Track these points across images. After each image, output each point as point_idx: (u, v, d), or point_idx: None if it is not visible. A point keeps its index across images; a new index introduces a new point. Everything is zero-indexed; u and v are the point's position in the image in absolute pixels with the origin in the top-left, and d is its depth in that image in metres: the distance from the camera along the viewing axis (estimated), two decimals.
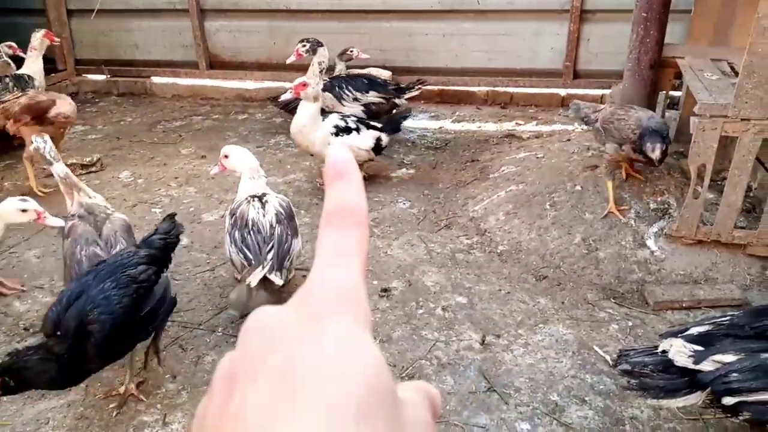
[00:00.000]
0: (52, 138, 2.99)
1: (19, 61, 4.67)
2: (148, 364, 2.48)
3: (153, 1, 5.87)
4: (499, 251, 3.26)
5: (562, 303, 2.81)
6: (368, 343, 0.30)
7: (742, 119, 2.80)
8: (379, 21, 5.43)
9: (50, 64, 5.36)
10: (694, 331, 1.92)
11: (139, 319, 2.16)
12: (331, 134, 3.70)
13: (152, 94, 6.11)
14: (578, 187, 3.39)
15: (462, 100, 5.53)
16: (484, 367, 2.44)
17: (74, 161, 4.27)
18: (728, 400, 1.78)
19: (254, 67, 5.84)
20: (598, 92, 5.07)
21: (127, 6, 5.93)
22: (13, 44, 4.75)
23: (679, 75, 3.65)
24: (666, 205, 3.17)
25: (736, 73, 3.07)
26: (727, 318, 1.96)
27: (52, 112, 3.81)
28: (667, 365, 1.87)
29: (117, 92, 6.19)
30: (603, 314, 2.71)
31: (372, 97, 4.48)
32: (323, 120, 3.72)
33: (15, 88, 4.18)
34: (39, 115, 3.81)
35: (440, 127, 5.04)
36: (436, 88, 5.47)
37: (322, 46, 4.26)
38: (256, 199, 2.77)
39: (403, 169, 4.32)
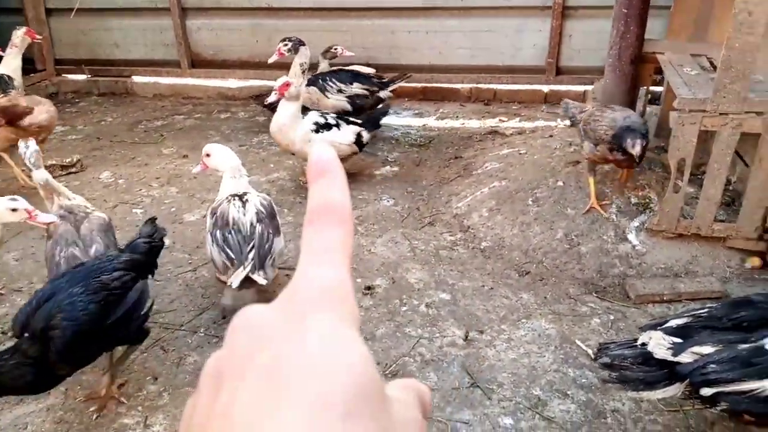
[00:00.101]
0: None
1: None
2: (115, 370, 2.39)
3: (133, 0, 5.81)
4: (482, 247, 3.27)
5: (545, 298, 2.82)
6: (354, 340, 0.29)
7: (720, 113, 2.83)
8: (362, 19, 5.41)
9: (29, 64, 5.28)
10: (673, 323, 1.93)
11: (107, 327, 2.07)
12: (312, 131, 3.68)
13: (133, 93, 6.05)
14: (560, 183, 3.40)
15: (446, 97, 5.54)
16: (467, 363, 2.45)
17: (54, 162, 4.21)
18: (706, 391, 1.80)
19: (236, 66, 5.80)
20: (581, 88, 5.10)
21: (107, 5, 5.86)
22: None
23: (659, 70, 3.68)
24: (647, 200, 3.20)
25: (715, 68, 3.10)
26: (706, 310, 1.98)
27: (26, 121, 3.76)
28: (646, 358, 1.88)
29: (97, 92, 6.12)
30: (585, 308, 2.73)
31: (356, 88, 4.47)
32: (303, 118, 3.70)
33: None
34: (12, 120, 3.75)
35: (424, 125, 5.04)
36: (419, 85, 5.47)
37: (303, 45, 4.24)
38: (236, 198, 2.75)
39: (387, 167, 4.31)
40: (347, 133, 3.80)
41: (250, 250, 2.57)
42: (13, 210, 2.60)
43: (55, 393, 2.36)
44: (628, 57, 3.54)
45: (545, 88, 5.30)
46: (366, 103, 4.49)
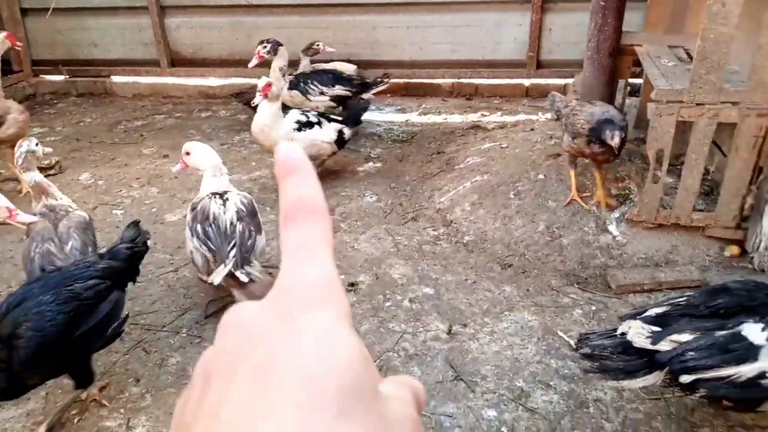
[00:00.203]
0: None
1: None
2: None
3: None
4: (465, 241, 3.28)
5: (527, 290, 2.83)
6: (348, 338, 0.29)
7: (697, 104, 2.85)
8: (342, 15, 5.39)
9: (5, 65, 5.19)
10: (652, 312, 1.95)
11: (76, 339, 2.00)
12: (294, 129, 3.67)
13: (112, 93, 5.98)
14: (541, 176, 3.42)
15: (428, 92, 5.54)
16: (450, 357, 2.45)
17: None
18: (685, 378, 1.82)
19: (217, 64, 5.76)
20: (562, 82, 5.12)
21: (83, 4, 5.78)
22: None
23: (637, 62, 3.70)
24: (627, 191, 3.22)
25: (692, 59, 3.13)
26: (684, 298, 2.00)
27: None
28: (626, 347, 1.90)
29: (76, 93, 6.04)
30: (567, 300, 2.75)
31: (338, 90, 4.47)
32: (284, 117, 3.68)
33: None
34: None
35: (406, 120, 5.04)
36: (401, 81, 5.47)
37: (281, 45, 4.23)
38: (217, 196, 2.73)
39: (370, 163, 4.31)
40: (329, 131, 3.79)
41: (231, 248, 2.56)
42: None
43: (35, 398, 2.33)
44: (606, 49, 3.56)
45: (526, 82, 5.32)
46: (349, 104, 4.49)
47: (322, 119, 3.80)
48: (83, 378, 2.15)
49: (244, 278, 2.50)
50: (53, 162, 4.27)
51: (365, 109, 4.18)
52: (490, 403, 2.22)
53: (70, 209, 2.63)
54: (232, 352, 0.30)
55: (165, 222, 3.59)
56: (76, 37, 5.98)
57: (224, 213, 2.66)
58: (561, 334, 2.52)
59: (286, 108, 3.81)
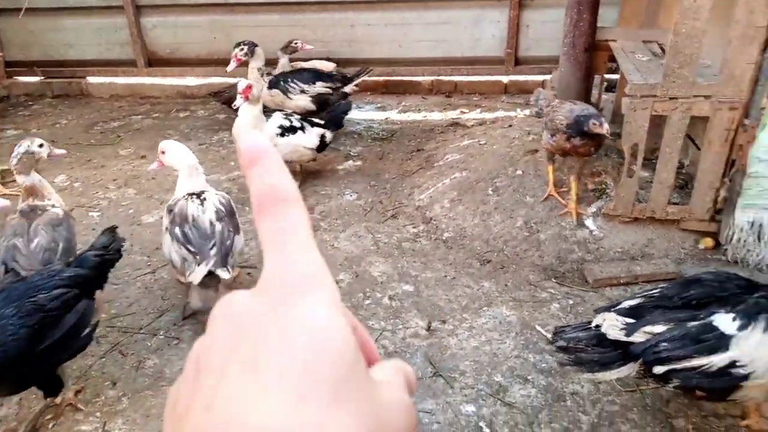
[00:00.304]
0: None
1: None
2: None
3: None
4: (444, 238, 3.28)
5: (506, 285, 2.85)
6: (339, 325, 0.29)
7: (670, 98, 2.88)
8: (321, 12, 5.37)
9: None
10: (626, 304, 1.97)
11: (40, 352, 1.92)
12: (277, 135, 3.64)
13: (89, 94, 5.90)
14: (519, 172, 3.44)
15: (407, 89, 5.54)
16: (430, 353, 2.46)
17: (5, 168, 4.07)
18: (658, 369, 1.84)
19: (195, 63, 5.70)
20: (540, 78, 5.15)
21: (57, 4, 5.69)
22: None
23: (613, 58, 3.73)
24: (603, 185, 3.25)
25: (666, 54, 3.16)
26: (658, 290, 2.02)
27: None
28: (600, 339, 1.91)
29: (51, 94, 5.94)
30: (545, 294, 2.76)
31: (319, 87, 4.44)
32: (267, 120, 3.66)
33: None
34: None
35: (386, 118, 5.03)
36: (381, 78, 5.46)
37: (257, 46, 4.21)
38: (194, 196, 2.71)
39: (350, 161, 4.30)
40: (312, 136, 3.76)
41: (212, 247, 2.54)
42: None
43: (8, 404, 2.30)
44: (582, 45, 3.59)
45: (505, 79, 5.34)
46: (330, 100, 4.47)
47: (305, 124, 3.78)
48: (51, 388, 2.11)
49: (225, 275, 2.48)
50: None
51: (346, 112, 4.16)
52: (468, 398, 2.23)
53: (49, 207, 2.58)
54: (223, 343, 0.30)
55: (142, 223, 3.56)
56: (50, 38, 5.89)
57: (203, 213, 2.63)
58: (538, 328, 2.53)
59: (267, 110, 3.78)
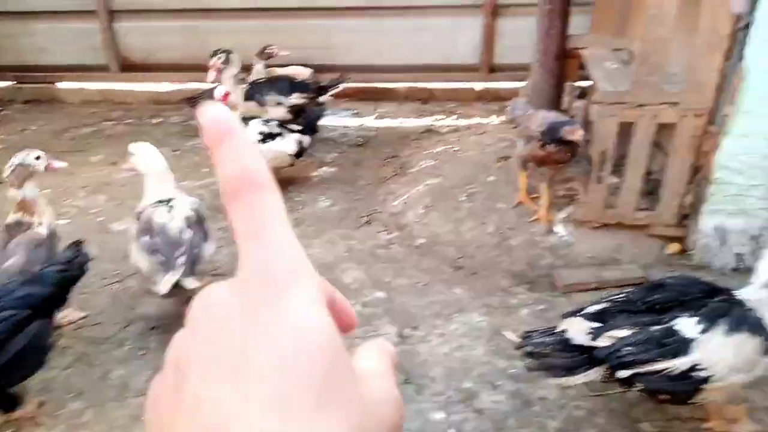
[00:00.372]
0: None
1: None
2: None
3: (58, 3, 5.57)
4: (417, 245, 3.29)
5: (477, 291, 2.86)
6: (321, 323, 0.28)
7: (638, 105, 2.93)
8: (297, 19, 5.36)
9: None
10: (591, 309, 1.99)
11: None
12: (258, 141, 3.63)
13: (60, 100, 5.80)
14: (491, 178, 3.46)
15: (384, 96, 5.54)
16: (401, 360, 2.45)
17: None
18: (623, 373, 1.86)
19: (169, 69, 5.64)
20: (514, 85, 5.19)
21: (28, 8, 5.60)
22: None
23: (584, 65, 3.79)
24: (573, 192, 3.29)
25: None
26: (623, 295, 2.04)
27: None
28: (566, 344, 1.93)
29: (22, 99, 5.84)
30: (515, 300, 2.78)
31: (295, 99, 4.43)
32: (245, 127, 3.64)
33: None
34: None
35: (362, 125, 5.04)
36: (357, 85, 5.46)
37: (232, 53, 4.20)
38: (163, 203, 2.67)
39: (325, 168, 4.29)
40: (291, 143, 3.77)
41: (180, 256, 2.51)
42: None
43: None
44: (553, 53, 3.63)
45: (480, 86, 5.38)
46: (307, 108, 4.46)
47: (283, 130, 3.78)
48: (6, 405, 2.04)
49: (191, 285, 2.46)
50: None
51: (320, 117, 4.16)
52: (438, 405, 2.22)
53: (36, 225, 2.51)
54: (203, 343, 0.28)
55: (111, 231, 3.51)
56: (21, 42, 5.79)
57: (172, 220, 2.61)
58: (508, 334, 2.54)
59: (244, 119, 3.76)
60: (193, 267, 2.50)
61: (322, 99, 4.53)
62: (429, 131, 4.73)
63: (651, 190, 3.37)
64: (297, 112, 4.37)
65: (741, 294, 2.00)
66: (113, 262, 3.19)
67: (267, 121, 3.81)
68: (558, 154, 2.96)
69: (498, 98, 5.27)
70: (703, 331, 1.86)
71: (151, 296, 2.76)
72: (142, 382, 2.40)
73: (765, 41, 2.61)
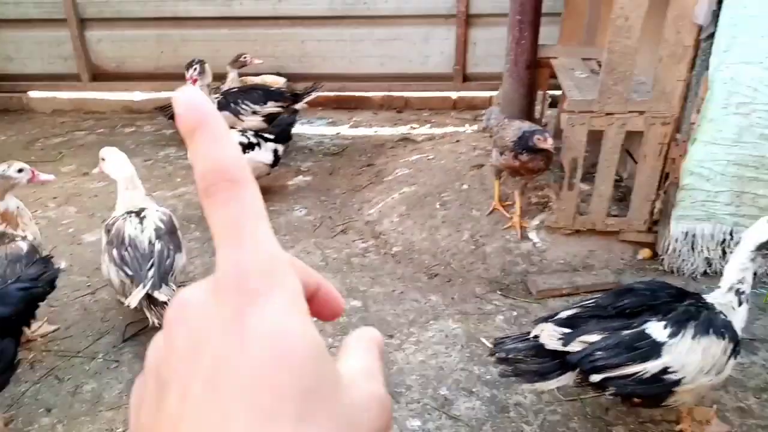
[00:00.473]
0: None
1: None
2: None
3: (26, 11, 5.48)
4: (393, 252, 3.30)
5: (452, 298, 2.87)
6: (299, 330, 0.27)
7: (606, 114, 2.99)
8: (271, 28, 5.36)
9: None
10: (563, 314, 2.02)
11: None
12: None
13: (30, 109, 5.70)
14: (465, 186, 3.49)
15: (359, 105, 5.56)
16: None
17: None
18: (595, 377, 1.89)
19: (141, 78, 5.59)
20: (488, 94, 5.26)
21: None
22: None
23: (555, 75, 3.85)
24: (546, 199, 3.33)
25: None
26: (593, 300, 2.08)
27: None
28: (539, 349, 1.95)
29: None
30: (490, 306, 2.80)
31: (270, 107, 4.41)
32: None
33: None
34: None
35: (337, 133, 5.04)
36: (333, 94, 5.46)
37: (206, 63, 4.19)
38: (133, 215, 2.64)
39: (300, 177, 4.28)
40: (267, 152, 3.77)
41: (150, 268, 2.48)
42: None
43: None
44: (523, 62, 3.68)
45: (454, 95, 5.43)
46: (278, 117, 4.46)
47: (260, 140, 3.78)
48: None
49: (163, 298, 2.43)
50: None
51: (292, 124, 4.15)
52: (414, 413, 2.23)
53: (18, 239, 2.45)
54: (182, 353, 0.28)
55: (83, 243, 3.45)
56: None
57: (142, 232, 2.58)
58: (483, 340, 2.56)
59: None
60: (163, 279, 2.47)
61: (297, 107, 4.53)
62: (404, 140, 4.75)
63: (622, 196, 3.44)
64: (269, 120, 4.37)
65: (709, 298, 2.05)
66: (84, 274, 3.14)
67: (243, 131, 3.80)
68: (532, 163, 2.98)
69: (472, 106, 5.33)
70: (673, 335, 1.90)
71: (123, 307, 2.72)
72: (115, 395, 2.36)
73: (727, 51, 2.69)
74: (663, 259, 3.05)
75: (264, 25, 5.36)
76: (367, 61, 5.42)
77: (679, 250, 3.01)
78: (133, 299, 2.40)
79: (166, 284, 2.47)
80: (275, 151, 3.80)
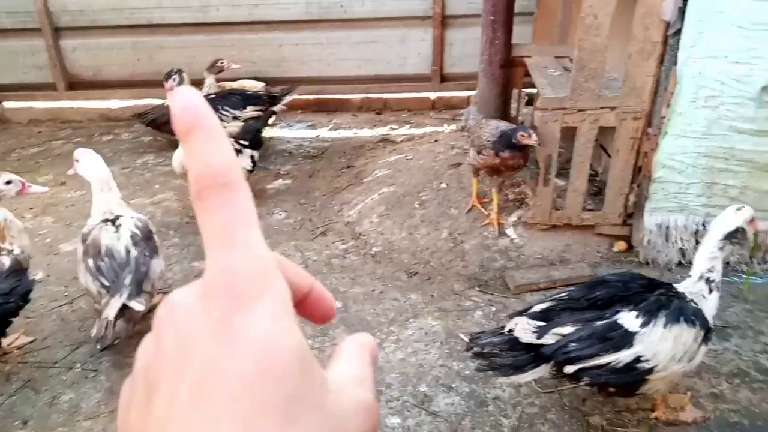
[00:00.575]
0: None
1: None
2: None
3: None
4: (373, 253, 3.31)
5: (432, 296, 2.89)
6: (287, 336, 0.27)
7: (579, 110, 3.03)
8: (247, 33, 5.35)
9: None
10: (537, 308, 2.04)
11: None
12: None
13: (6, 120, 5.64)
14: (443, 185, 3.52)
15: (338, 107, 5.58)
16: None
17: None
18: (569, 369, 1.91)
19: (118, 86, 5.55)
20: (465, 94, 5.30)
21: None
22: None
23: (529, 73, 3.89)
24: (523, 195, 3.37)
25: None
26: (566, 293, 2.10)
27: None
28: (513, 343, 1.97)
29: None
30: (469, 303, 2.82)
31: (250, 111, 4.41)
32: None
33: None
34: None
35: (317, 136, 5.05)
36: (312, 97, 5.48)
37: (183, 71, 4.19)
38: (109, 223, 2.63)
39: (280, 180, 4.28)
40: (246, 159, 3.79)
41: (126, 277, 2.47)
42: None
43: None
44: (498, 62, 3.72)
45: (432, 95, 5.47)
46: (249, 123, 4.46)
47: (239, 147, 3.79)
48: None
49: (139, 307, 2.41)
50: None
51: (260, 129, 4.15)
52: (394, 410, 2.24)
53: (4, 253, 2.42)
54: (171, 356, 0.28)
55: (60, 252, 3.42)
56: None
57: (118, 240, 2.56)
58: (462, 336, 2.58)
59: None
60: (140, 287, 2.46)
61: (275, 109, 4.54)
62: (384, 141, 4.77)
63: (597, 190, 3.48)
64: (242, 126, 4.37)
65: (680, 287, 2.08)
66: (62, 284, 3.11)
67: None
68: (512, 160, 3.01)
69: (450, 106, 5.37)
70: (644, 324, 1.94)
71: (100, 317, 2.70)
72: (93, 404, 2.34)
73: (694, 46, 2.74)
74: (638, 251, 3.09)
75: (240, 30, 5.35)
76: (345, 64, 5.44)
77: (654, 242, 3.06)
78: (111, 310, 2.39)
79: (142, 293, 2.46)
80: (252, 158, 3.82)
